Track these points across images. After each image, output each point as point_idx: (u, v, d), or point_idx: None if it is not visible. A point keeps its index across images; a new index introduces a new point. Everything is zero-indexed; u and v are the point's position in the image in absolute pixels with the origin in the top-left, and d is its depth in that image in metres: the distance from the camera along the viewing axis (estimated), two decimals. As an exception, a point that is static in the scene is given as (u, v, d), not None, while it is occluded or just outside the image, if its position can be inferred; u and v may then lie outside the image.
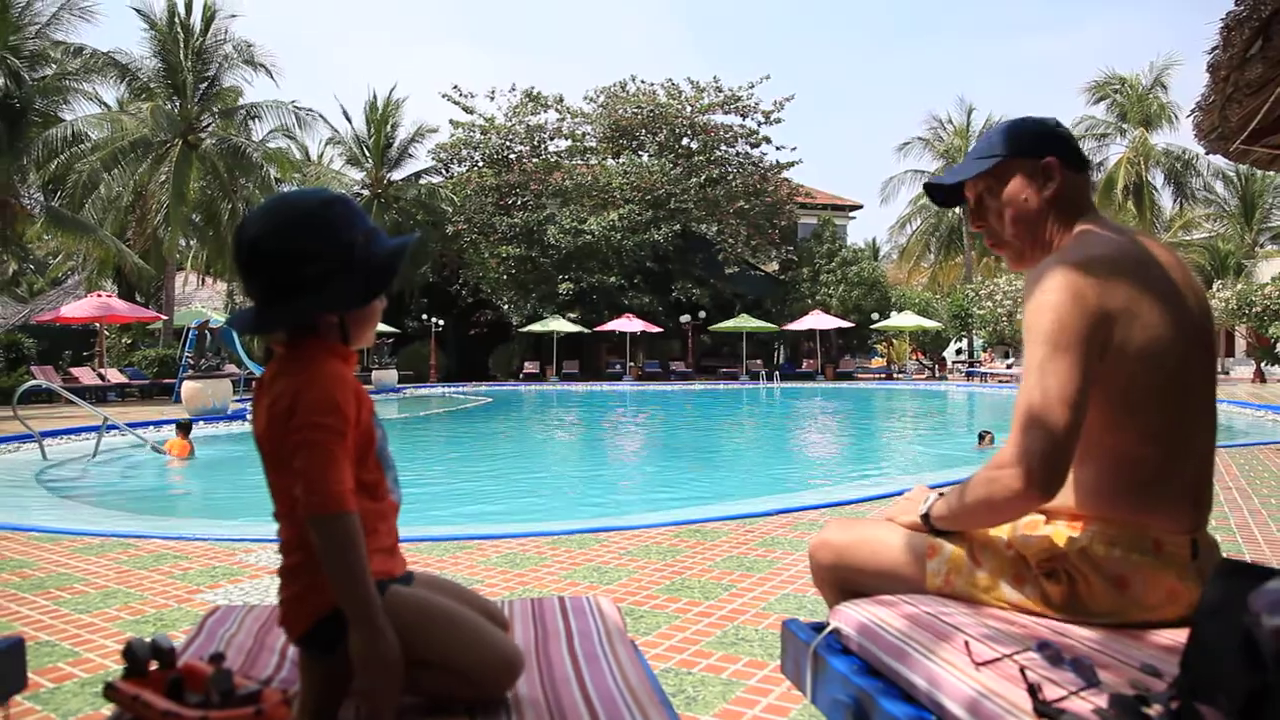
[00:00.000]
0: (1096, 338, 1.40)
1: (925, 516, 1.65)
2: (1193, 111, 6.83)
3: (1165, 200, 37.22)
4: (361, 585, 1.22)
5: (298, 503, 1.25)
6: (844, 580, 1.73)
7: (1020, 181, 1.65)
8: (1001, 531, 1.58)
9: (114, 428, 11.66)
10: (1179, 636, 1.34)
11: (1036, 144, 1.64)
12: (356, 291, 1.35)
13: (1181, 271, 1.52)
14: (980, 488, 1.47)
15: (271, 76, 27.49)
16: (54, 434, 11.95)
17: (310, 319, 1.34)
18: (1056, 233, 1.63)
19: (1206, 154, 7.67)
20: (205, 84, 26.18)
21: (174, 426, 11.26)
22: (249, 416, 1.41)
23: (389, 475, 1.47)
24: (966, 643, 1.35)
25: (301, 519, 1.25)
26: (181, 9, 25.74)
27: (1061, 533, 1.50)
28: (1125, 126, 36.22)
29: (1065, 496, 1.49)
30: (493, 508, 7.87)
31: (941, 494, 1.66)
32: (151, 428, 13.73)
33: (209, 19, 25.92)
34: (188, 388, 16.48)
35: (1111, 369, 1.41)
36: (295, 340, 1.35)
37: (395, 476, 1.53)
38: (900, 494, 6.37)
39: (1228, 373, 34.64)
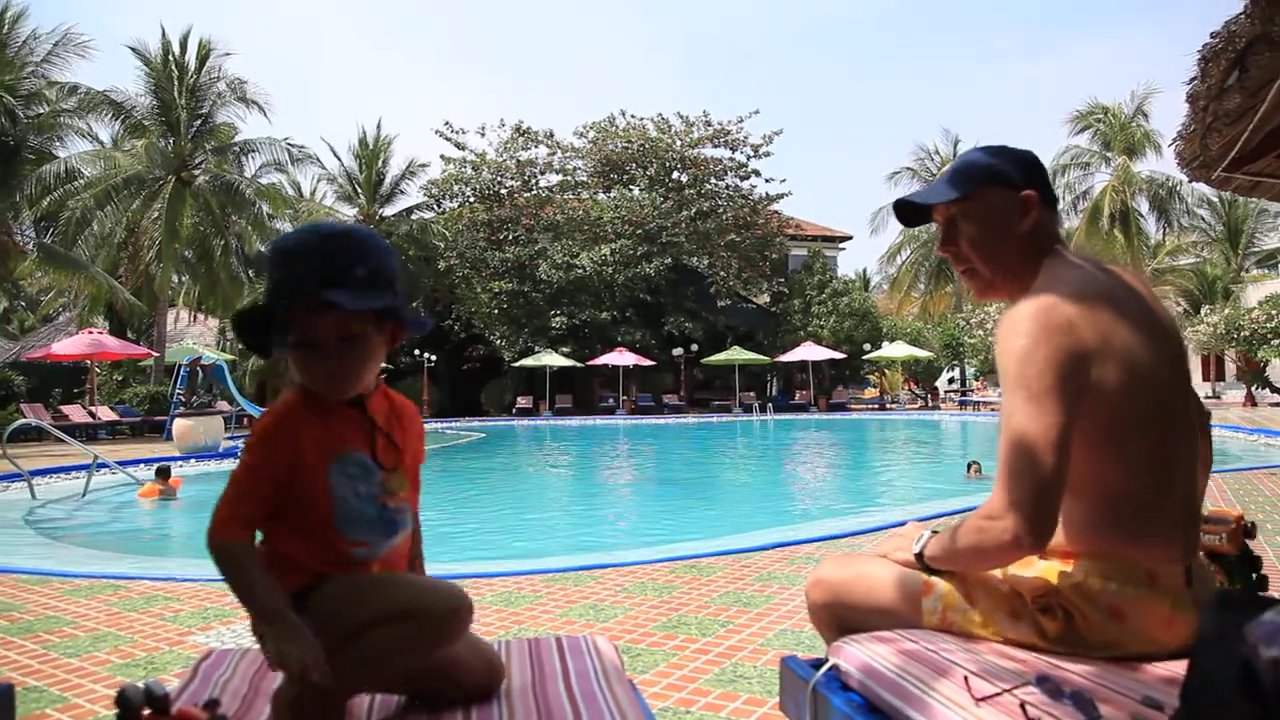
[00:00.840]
0: (1074, 378, 1.39)
1: (919, 555, 1.64)
2: (1174, 140, 6.91)
3: (1150, 227, 37.52)
4: (250, 600, 1.34)
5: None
6: (840, 618, 1.72)
7: (998, 212, 1.62)
8: (996, 570, 1.58)
9: (104, 466, 11.60)
10: (1177, 668, 1.34)
11: (1018, 175, 1.62)
12: (255, 344, 1.46)
13: (1150, 296, 1.53)
14: (971, 535, 1.46)
15: (264, 114, 27.71)
16: (43, 473, 11.87)
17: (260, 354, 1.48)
18: (1027, 266, 1.60)
19: (1190, 181, 7.76)
20: (199, 121, 26.36)
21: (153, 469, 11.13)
22: None
23: (368, 533, 1.45)
24: (966, 678, 1.35)
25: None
26: (176, 47, 25.97)
27: (1055, 568, 1.50)
28: (1109, 155, 36.60)
29: (1056, 534, 1.49)
30: (487, 545, 7.82)
31: (935, 532, 1.66)
32: (142, 465, 13.64)
33: (204, 56, 26.16)
34: (179, 425, 16.39)
35: (1092, 406, 1.41)
36: None
37: (386, 528, 1.49)
38: (894, 526, 6.30)
39: (1219, 397, 34.77)
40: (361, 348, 1.41)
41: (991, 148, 1.69)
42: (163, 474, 10.90)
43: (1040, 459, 1.36)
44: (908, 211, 1.77)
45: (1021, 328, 1.43)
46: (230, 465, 14.57)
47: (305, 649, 1.27)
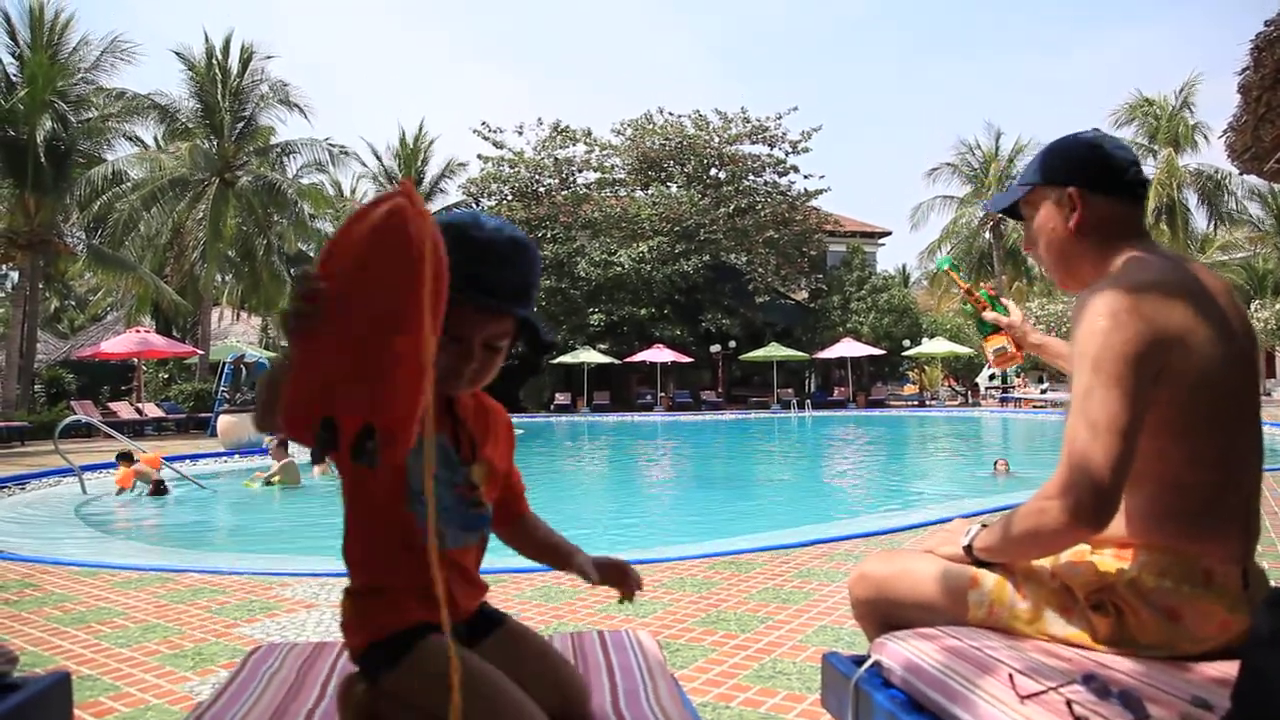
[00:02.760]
0: (1148, 364, 1.37)
1: (969, 548, 1.62)
2: (1225, 132, 6.79)
3: (1199, 221, 36.76)
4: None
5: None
6: (884, 614, 1.71)
7: (1048, 209, 1.64)
8: (1045, 562, 1.56)
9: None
10: (1228, 668, 1.32)
11: (1062, 171, 1.62)
12: None
13: (1229, 298, 1.50)
14: (1027, 519, 1.44)
15: (305, 116, 28.09)
16: (93, 468, 12.14)
17: None
18: (1093, 260, 1.60)
19: (1241, 174, 7.60)
20: (242, 123, 26.77)
21: (116, 457, 11.04)
22: None
23: (443, 520, 1.37)
24: (1011, 675, 1.34)
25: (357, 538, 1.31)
26: (219, 51, 26.40)
27: (1109, 562, 1.48)
28: (1154, 148, 35.90)
29: (1114, 524, 1.46)
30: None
31: (984, 525, 1.64)
32: (187, 461, 13.92)
33: (246, 60, 26.57)
34: (223, 422, 16.69)
35: (1164, 395, 1.39)
36: None
37: (464, 521, 1.45)
38: (936, 524, 6.24)
39: (1269, 394, 33.99)
40: (500, 356, 1.37)
41: (1053, 143, 1.69)
42: (125, 458, 10.82)
43: (1105, 443, 1.34)
44: (1009, 212, 1.81)
45: (1102, 309, 1.41)
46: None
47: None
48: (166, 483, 10.85)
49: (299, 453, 11.19)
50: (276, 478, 11.05)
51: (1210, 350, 1.40)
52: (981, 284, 2.21)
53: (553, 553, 1.67)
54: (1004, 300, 2.14)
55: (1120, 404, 1.35)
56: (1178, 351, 1.39)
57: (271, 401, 1.05)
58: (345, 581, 1.36)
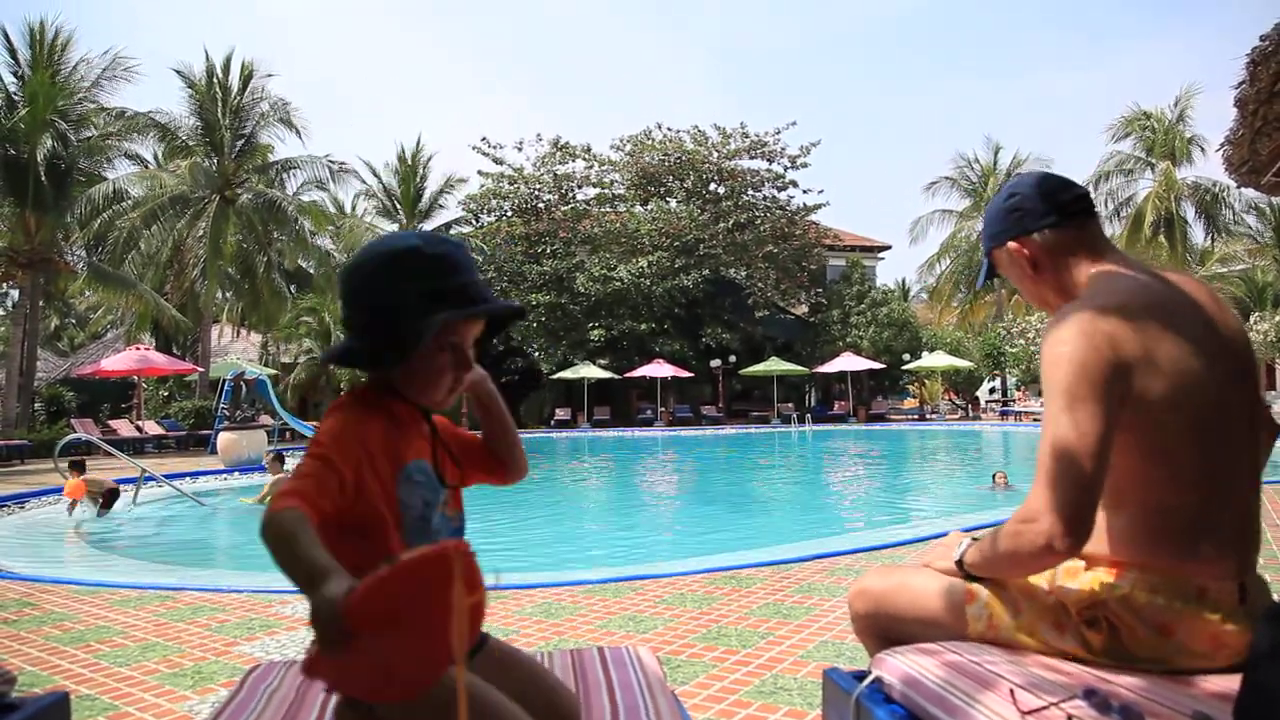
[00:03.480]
0: (1115, 386, 1.38)
1: (960, 563, 1.64)
2: (1223, 145, 6.82)
3: (1197, 234, 36.81)
4: (294, 567, 1.11)
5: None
6: (884, 628, 1.71)
7: (1007, 268, 1.77)
8: (1042, 579, 1.56)
9: (151, 479, 11.82)
10: (1229, 683, 1.31)
11: (997, 234, 1.73)
12: (379, 350, 1.34)
13: (1215, 305, 1.50)
14: (1008, 540, 1.45)
15: (299, 137, 28.20)
16: (94, 487, 12.10)
17: (348, 364, 1.37)
18: (1055, 289, 1.67)
19: (1238, 187, 7.63)
20: (242, 140, 26.87)
21: (69, 465, 10.85)
22: None
23: (432, 539, 1.38)
24: (1011, 691, 1.33)
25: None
26: (220, 69, 26.52)
27: (1102, 579, 1.47)
28: (1152, 161, 36.00)
29: (1102, 544, 1.47)
30: (526, 557, 7.85)
31: (975, 539, 1.65)
32: (188, 479, 13.90)
33: (247, 78, 26.69)
34: (223, 439, 16.69)
35: (1135, 416, 1.39)
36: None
37: (451, 537, 1.47)
38: (936, 538, 6.25)
39: (1269, 406, 33.88)
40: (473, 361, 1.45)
41: (988, 208, 1.79)
42: (76, 468, 10.67)
43: (1077, 465, 1.35)
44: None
45: (1062, 334, 1.44)
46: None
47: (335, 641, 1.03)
48: (120, 488, 10.69)
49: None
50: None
51: (1187, 365, 1.40)
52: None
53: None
54: None
55: (1088, 426, 1.36)
56: (1144, 371, 1.39)
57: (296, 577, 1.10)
58: None
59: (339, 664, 1.05)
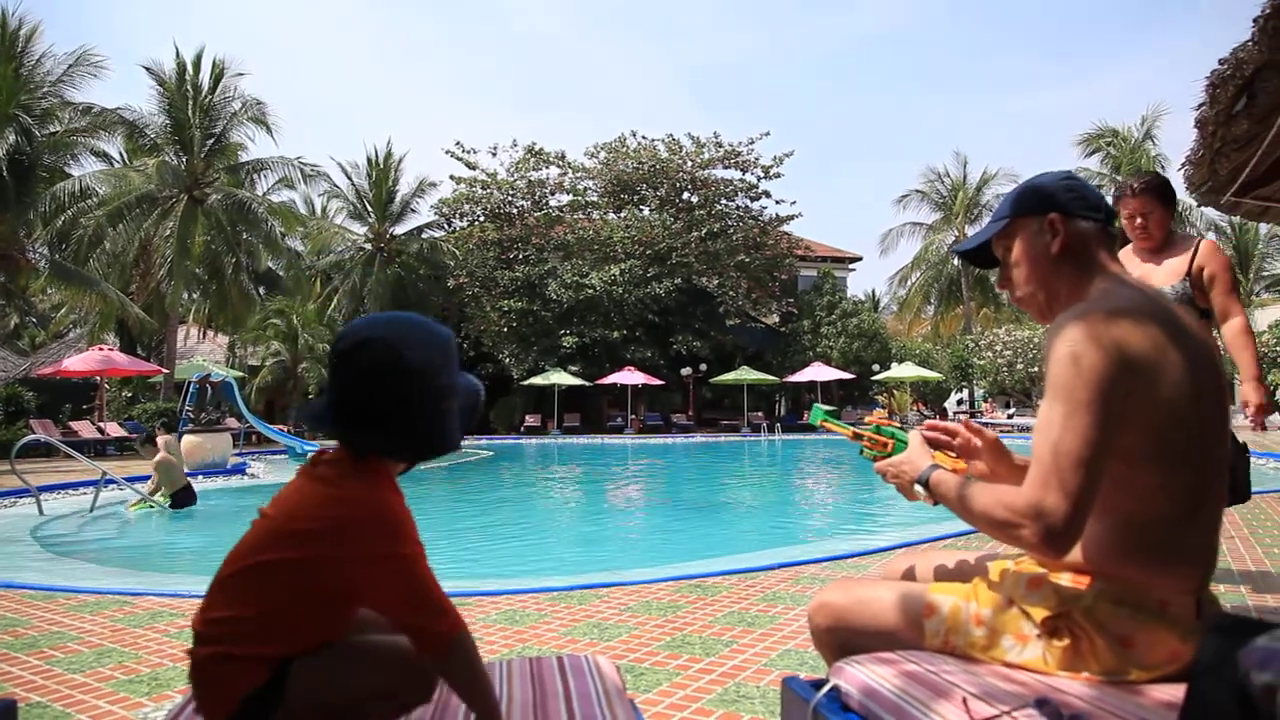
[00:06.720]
0: (1117, 389, 1.38)
1: (925, 482, 1.67)
2: (1184, 165, 6.93)
3: (1161, 252, 37.39)
4: (488, 694, 1.37)
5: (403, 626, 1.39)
6: (844, 642, 1.72)
7: (1027, 239, 1.67)
8: (1002, 592, 1.57)
9: (112, 482, 11.63)
10: (1176, 692, 1.34)
11: (1040, 202, 1.67)
12: (405, 449, 1.47)
13: (1197, 329, 1.52)
14: (994, 514, 1.46)
15: (271, 136, 27.98)
16: (51, 489, 11.91)
17: (365, 452, 1.45)
18: (1072, 287, 1.63)
19: (1198, 206, 7.77)
20: (212, 140, 26.58)
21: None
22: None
23: None
24: (965, 700, 1.35)
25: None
26: (190, 67, 26.23)
27: (1065, 588, 1.49)
28: (1119, 178, 36.56)
29: (1074, 551, 1.48)
30: (492, 563, 7.80)
31: (940, 467, 1.68)
32: (149, 481, 13.68)
33: (218, 76, 26.42)
34: (187, 441, 16.43)
35: (1133, 427, 1.40)
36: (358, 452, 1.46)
37: None
38: (901, 547, 6.20)
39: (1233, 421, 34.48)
40: None
41: (1024, 181, 1.74)
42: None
43: (1074, 470, 1.36)
44: (972, 255, 1.85)
45: (1070, 335, 1.43)
46: (238, 481, 14.63)
47: None
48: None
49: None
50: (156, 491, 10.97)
51: (1182, 382, 1.41)
52: (868, 418, 2.15)
53: None
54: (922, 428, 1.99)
55: (1088, 432, 1.37)
56: (1148, 378, 1.40)
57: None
58: None
59: None
